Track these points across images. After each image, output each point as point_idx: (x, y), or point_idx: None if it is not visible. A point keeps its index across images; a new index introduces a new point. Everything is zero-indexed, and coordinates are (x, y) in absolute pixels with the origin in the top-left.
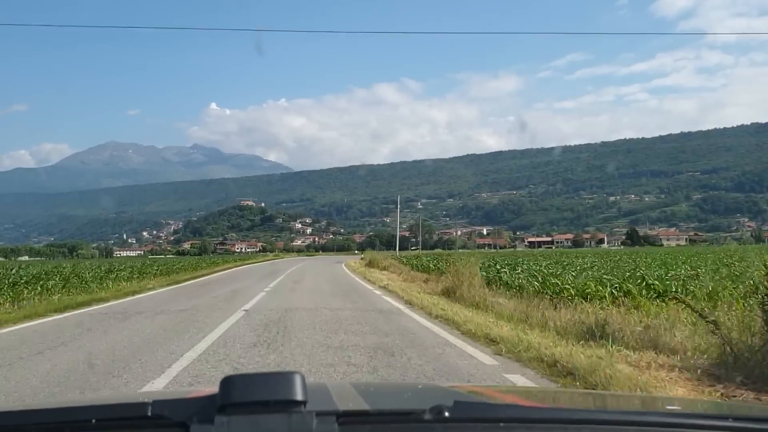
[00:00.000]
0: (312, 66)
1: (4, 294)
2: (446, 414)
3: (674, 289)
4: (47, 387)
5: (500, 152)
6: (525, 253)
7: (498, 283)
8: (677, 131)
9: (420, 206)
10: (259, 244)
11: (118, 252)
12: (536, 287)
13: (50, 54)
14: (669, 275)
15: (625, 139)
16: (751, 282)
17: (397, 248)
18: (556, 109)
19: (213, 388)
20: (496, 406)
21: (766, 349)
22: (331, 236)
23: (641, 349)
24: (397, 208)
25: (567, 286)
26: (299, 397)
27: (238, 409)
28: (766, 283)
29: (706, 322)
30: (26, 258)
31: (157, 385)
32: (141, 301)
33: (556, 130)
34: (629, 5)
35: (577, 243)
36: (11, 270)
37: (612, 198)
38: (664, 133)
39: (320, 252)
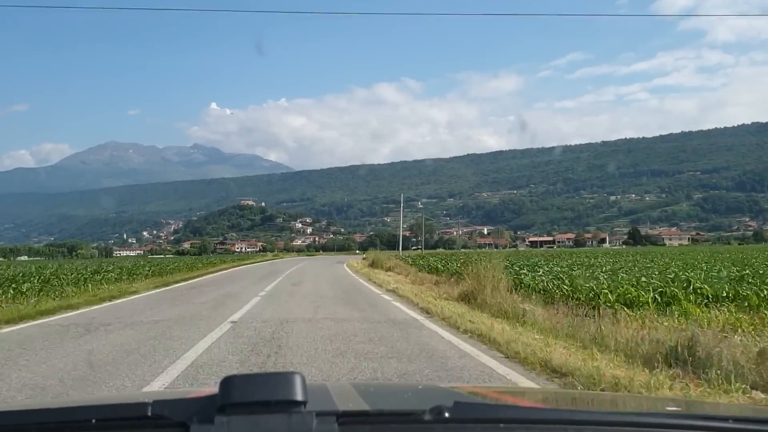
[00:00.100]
0: (312, 66)
1: None
2: (446, 414)
3: (725, 294)
4: None
5: (501, 152)
6: (529, 252)
7: (519, 287)
8: (678, 131)
9: (420, 206)
10: (260, 243)
11: (117, 252)
12: (565, 291)
13: (50, 54)
14: (710, 277)
15: (625, 138)
16: None
17: (400, 248)
18: (557, 109)
19: (213, 389)
20: (496, 407)
21: None
22: (332, 236)
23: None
24: (400, 207)
25: (605, 291)
26: (299, 397)
27: (238, 410)
28: None
29: None
30: (25, 258)
31: None
32: (116, 308)
33: (556, 129)
34: (629, 4)
35: (578, 243)
36: None
37: (612, 197)
38: (664, 132)
39: (320, 252)
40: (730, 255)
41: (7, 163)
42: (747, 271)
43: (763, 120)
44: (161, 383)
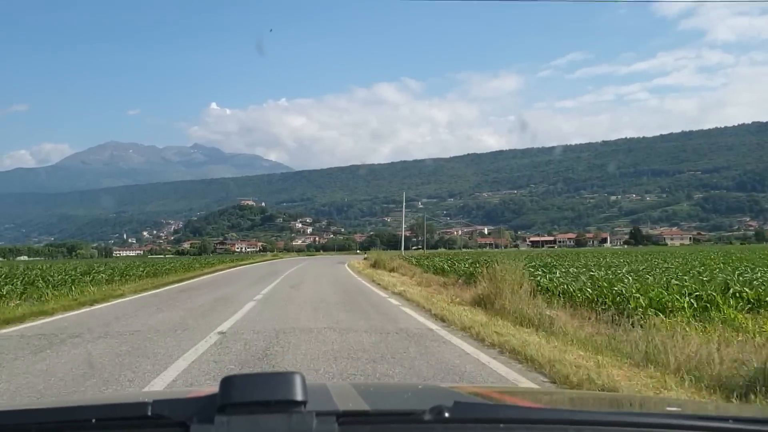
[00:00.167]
0: (312, 66)
1: None
2: (446, 414)
3: None
4: None
5: (501, 152)
6: (533, 252)
7: (536, 289)
8: (678, 130)
9: (421, 206)
10: (260, 243)
11: (117, 252)
12: (590, 295)
13: (50, 54)
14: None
15: (625, 138)
16: None
17: (402, 248)
18: (557, 109)
19: (213, 388)
20: (496, 407)
21: None
22: (332, 236)
23: None
24: (402, 205)
25: (635, 295)
26: (299, 397)
27: (238, 409)
28: None
29: None
30: (25, 258)
31: None
32: (94, 315)
33: (556, 129)
34: (629, 4)
35: (579, 242)
36: None
37: (613, 197)
38: (665, 132)
39: (321, 252)
40: (741, 255)
41: (7, 163)
42: None
43: (764, 119)
44: None
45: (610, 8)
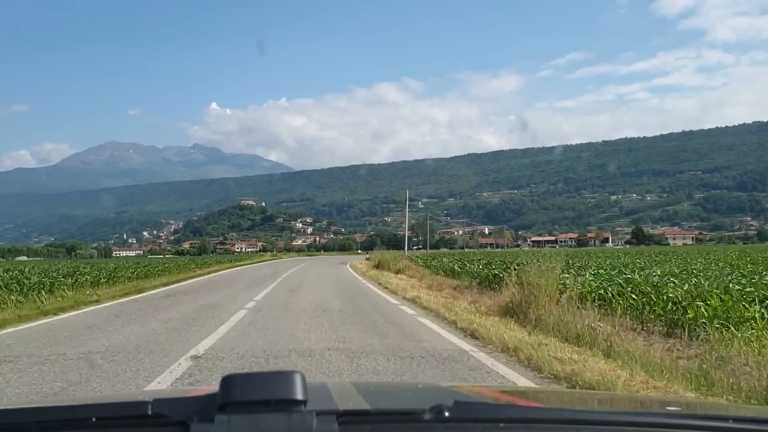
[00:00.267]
0: (312, 66)
1: None
2: (446, 414)
3: None
4: None
5: (501, 151)
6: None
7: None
8: (678, 130)
9: (421, 205)
10: (260, 243)
11: (117, 252)
12: (634, 302)
13: (50, 54)
14: None
15: (626, 138)
16: None
17: (406, 247)
18: (557, 108)
19: (213, 387)
20: (496, 406)
21: None
22: (332, 236)
23: None
24: (403, 205)
25: (697, 303)
26: (299, 396)
27: (238, 408)
28: None
29: None
30: (24, 258)
31: None
32: (51, 327)
33: (557, 129)
34: (629, 4)
35: (581, 242)
36: None
37: (613, 197)
38: (665, 132)
39: (321, 252)
40: (758, 255)
41: (7, 163)
42: None
43: (764, 119)
44: None
45: (610, 8)
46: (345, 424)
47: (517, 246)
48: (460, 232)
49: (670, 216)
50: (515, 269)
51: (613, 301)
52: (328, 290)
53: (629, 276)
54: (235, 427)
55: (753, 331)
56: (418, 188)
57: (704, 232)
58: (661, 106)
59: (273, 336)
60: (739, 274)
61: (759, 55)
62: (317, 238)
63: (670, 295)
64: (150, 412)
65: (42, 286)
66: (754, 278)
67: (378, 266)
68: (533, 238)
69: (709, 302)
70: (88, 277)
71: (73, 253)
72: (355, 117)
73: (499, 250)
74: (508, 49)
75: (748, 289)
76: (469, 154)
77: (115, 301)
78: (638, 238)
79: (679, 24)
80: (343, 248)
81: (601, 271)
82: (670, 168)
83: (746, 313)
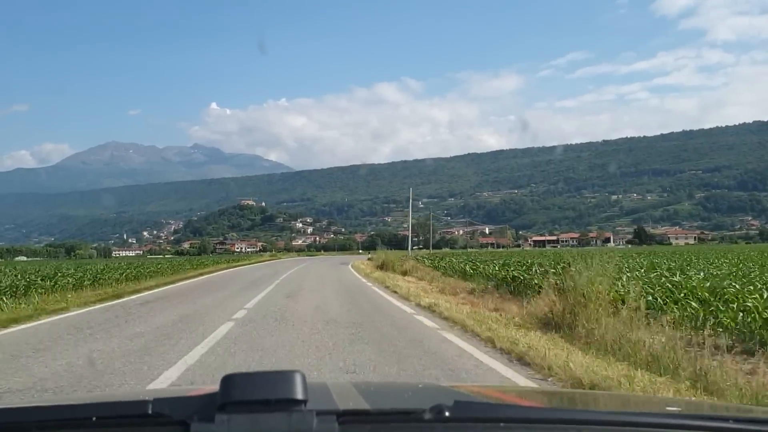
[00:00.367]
0: (312, 66)
1: None
2: (446, 413)
3: None
4: None
5: (501, 151)
6: (542, 253)
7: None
8: (679, 130)
9: (421, 205)
10: (260, 243)
11: (117, 252)
12: (693, 310)
13: (50, 54)
14: None
15: (626, 137)
16: None
17: (410, 247)
18: (557, 108)
19: (214, 387)
20: (497, 406)
21: None
22: (332, 236)
23: None
24: (405, 204)
25: None
26: (300, 396)
27: (238, 408)
28: None
29: None
30: (24, 258)
31: None
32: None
33: (557, 128)
34: (629, 4)
35: (582, 242)
36: None
37: (614, 197)
38: (665, 131)
39: (322, 252)
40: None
41: (7, 163)
42: None
43: (765, 119)
44: None
45: (610, 8)
46: (345, 424)
47: (518, 246)
48: (461, 231)
49: (670, 216)
50: (554, 272)
51: (665, 309)
52: (330, 295)
53: (676, 279)
54: (236, 426)
55: None
56: (418, 188)
57: (705, 232)
58: (661, 105)
59: (262, 361)
60: None
61: (759, 55)
62: (317, 238)
63: (748, 304)
64: (150, 412)
65: (15, 289)
66: None
67: (382, 267)
68: (535, 238)
69: None
70: (70, 279)
71: (72, 254)
72: (355, 117)
73: (501, 249)
74: (508, 49)
75: None
76: (469, 154)
77: (85, 309)
78: (640, 237)
79: (679, 24)
80: (344, 248)
81: (636, 273)
82: (670, 168)
83: None
